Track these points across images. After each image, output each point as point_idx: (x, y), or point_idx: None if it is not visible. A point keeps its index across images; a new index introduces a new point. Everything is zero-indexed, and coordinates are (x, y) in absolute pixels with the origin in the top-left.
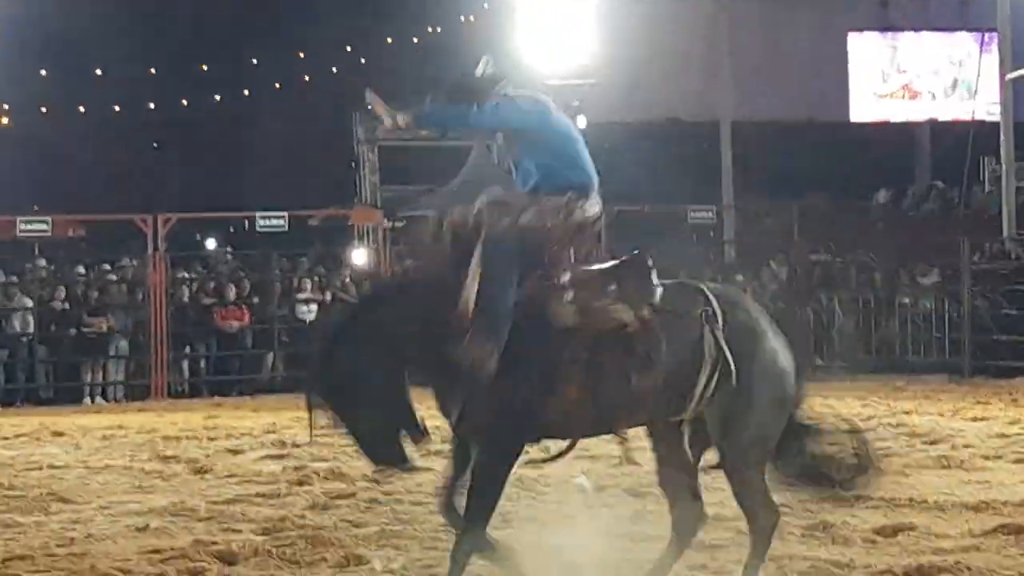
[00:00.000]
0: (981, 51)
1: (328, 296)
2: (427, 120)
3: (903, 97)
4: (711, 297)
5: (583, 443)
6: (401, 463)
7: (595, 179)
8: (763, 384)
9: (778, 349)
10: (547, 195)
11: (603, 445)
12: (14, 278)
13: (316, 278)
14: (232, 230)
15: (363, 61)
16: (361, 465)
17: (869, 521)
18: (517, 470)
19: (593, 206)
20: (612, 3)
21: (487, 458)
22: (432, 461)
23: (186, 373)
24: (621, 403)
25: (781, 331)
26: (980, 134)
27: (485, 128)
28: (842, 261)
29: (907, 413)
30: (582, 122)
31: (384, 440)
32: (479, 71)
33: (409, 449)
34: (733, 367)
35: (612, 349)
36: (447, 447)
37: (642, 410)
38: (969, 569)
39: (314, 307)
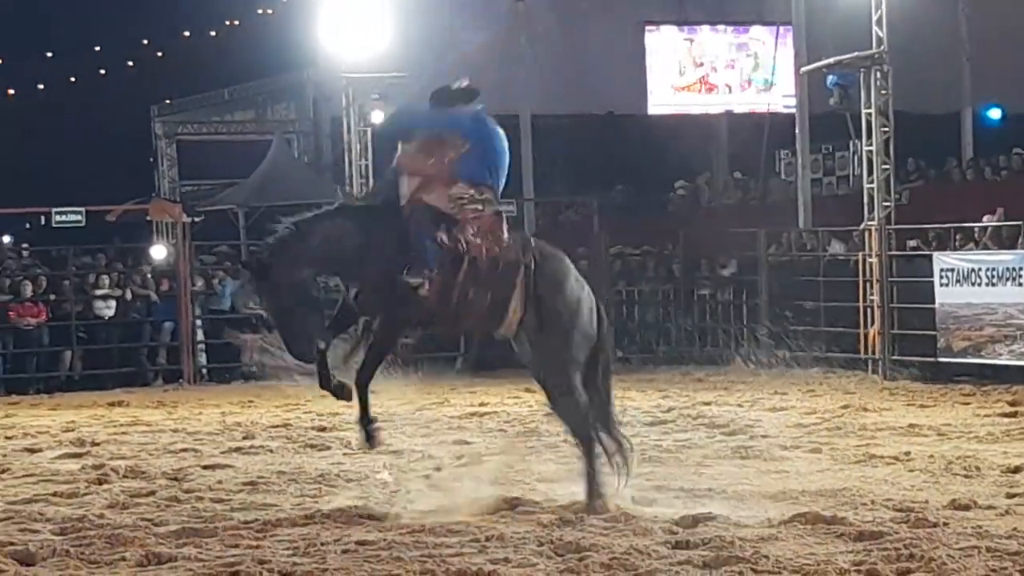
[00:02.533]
0: (777, 44)
1: (127, 292)
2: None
3: (700, 90)
4: (535, 247)
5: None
6: (311, 358)
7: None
8: (563, 315)
9: (580, 293)
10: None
11: (406, 440)
12: None
13: (114, 274)
14: (28, 226)
15: (160, 55)
16: (160, 463)
17: (669, 511)
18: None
19: (494, 203)
20: None
21: (385, 330)
22: (233, 458)
23: None
24: (468, 309)
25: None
26: (775, 126)
27: (461, 128)
28: (641, 253)
29: (706, 404)
30: (379, 117)
31: (301, 337)
32: (457, 85)
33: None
34: (537, 296)
35: (475, 272)
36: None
37: (479, 316)
38: (768, 558)
39: (112, 303)
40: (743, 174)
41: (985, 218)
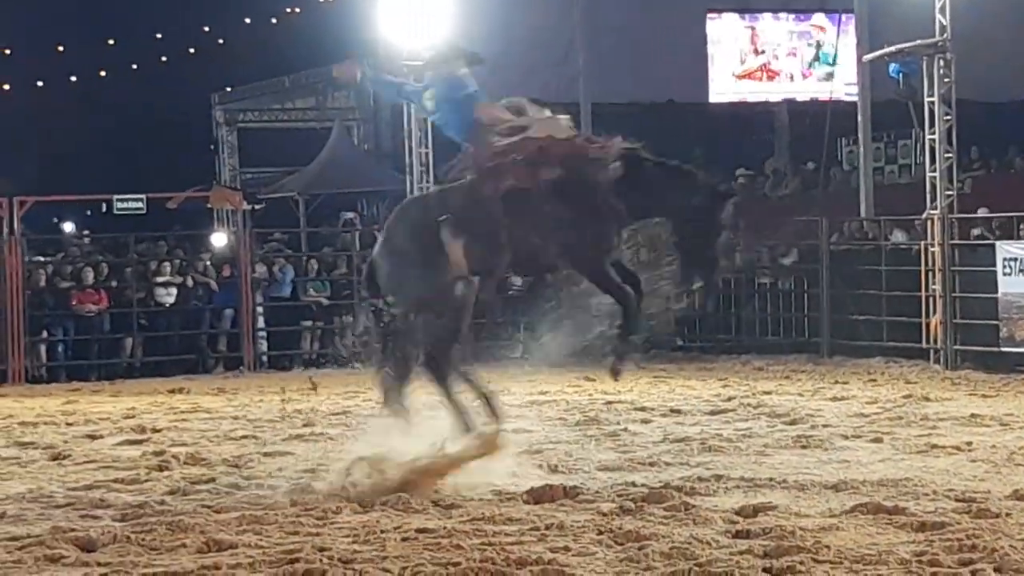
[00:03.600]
0: (838, 32)
1: (188, 279)
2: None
3: (761, 78)
4: None
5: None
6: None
7: None
8: None
9: None
10: None
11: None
12: None
13: (175, 261)
14: (89, 213)
15: (221, 42)
16: (221, 450)
17: (730, 501)
18: None
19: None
20: None
21: None
22: (293, 445)
23: (43, 358)
24: None
25: None
26: (837, 114)
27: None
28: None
29: (767, 394)
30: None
31: None
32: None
33: None
34: None
35: None
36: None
37: None
38: (828, 548)
39: (173, 291)
40: (805, 163)
41: None
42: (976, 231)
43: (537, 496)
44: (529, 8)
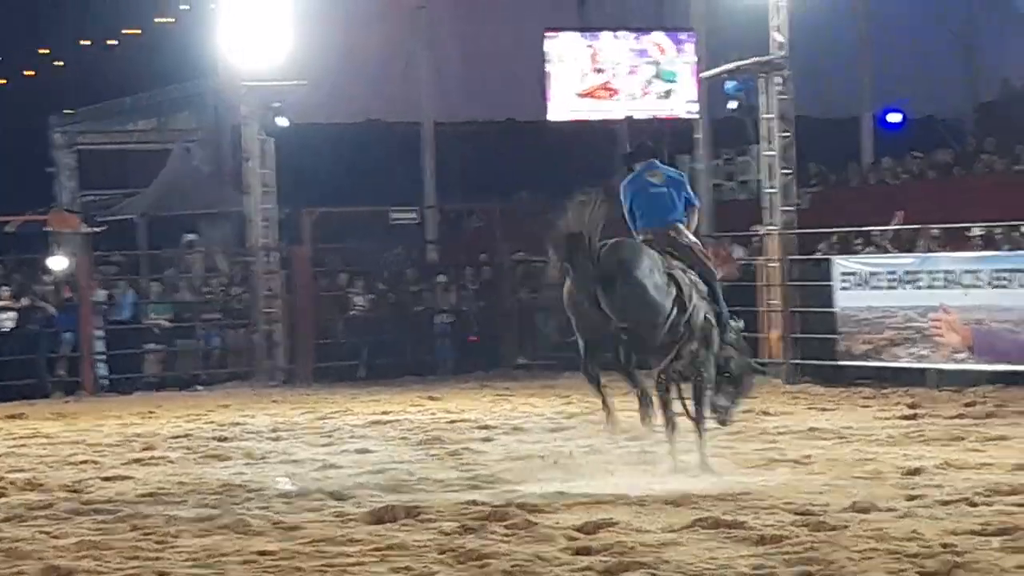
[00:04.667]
0: (677, 50)
1: (26, 303)
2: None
3: (601, 97)
4: None
5: (288, 448)
6: None
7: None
8: None
9: None
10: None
11: (308, 450)
12: None
13: (12, 285)
14: None
15: (59, 64)
16: (60, 476)
17: (571, 518)
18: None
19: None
20: (313, 3)
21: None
22: (134, 469)
23: None
24: None
25: None
26: (677, 132)
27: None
28: (544, 260)
29: None
30: (284, 123)
31: None
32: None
33: None
34: None
35: None
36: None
37: None
38: (668, 563)
39: (11, 315)
40: None
41: (894, 221)
42: (823, 246)
43: (378, 516)
44: (370, 27)
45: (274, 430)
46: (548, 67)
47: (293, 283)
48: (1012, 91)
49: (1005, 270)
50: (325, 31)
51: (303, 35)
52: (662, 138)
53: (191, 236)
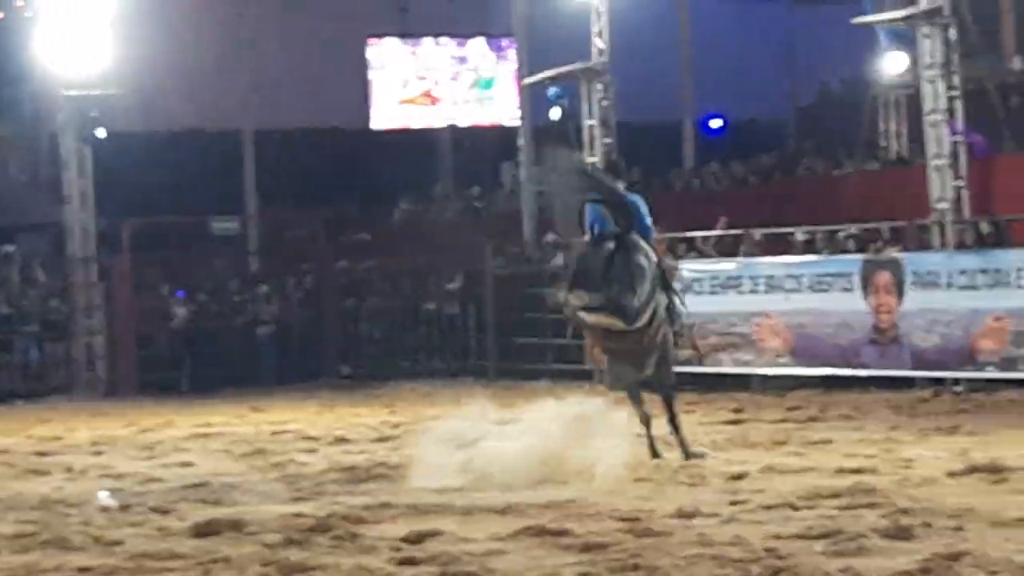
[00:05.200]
0: (499, 57)
1: None
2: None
3: (424, 103)
4: None
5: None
6: None
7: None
8: None
9: None
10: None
11: (129, 463)
12: None
13: None
14: None
15: None
16: None
17: (396, 528)
18: None
19: None
20: (131, 11)
21: None
22: None
23: None
24: None
25: None
26: (499, 138)
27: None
28: (367, 269)
29: (434, 419)
30: (102, 133)
31: None
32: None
33: None
34: None
35: None
36: None
37: None
38: (494, 572)
39: None
40: (468, 187)
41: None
42: None
43: (201, 530)
44: (190, 35)
45: (95, 444)
46: (370, 74)
47: (113, 294)
48: (830, 95)
49: (826, 274)
50: (144, 40)
51: (122, 43)
52: (485, 145)
53: (8, 247)
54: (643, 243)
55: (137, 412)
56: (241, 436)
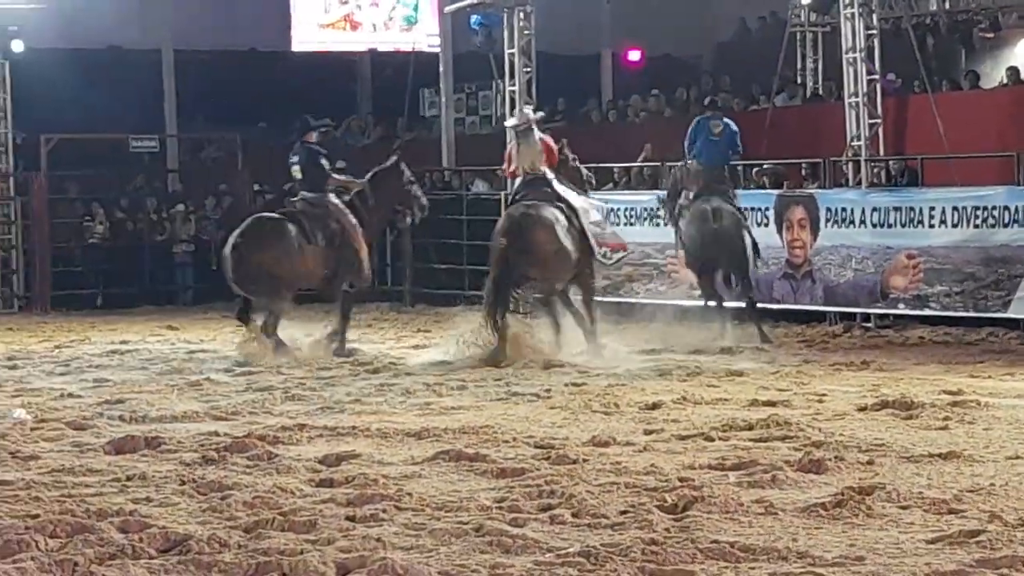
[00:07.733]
0: None
1: None
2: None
3: (344, 28)
4: None
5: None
6: None
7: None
8: None
9: None
10: None
11: (44, 378)
12: None
13: None
14: None
15: None
16: None
17: (313, 450)
18: None
19: None
20: None
21: None
22: None
23: None
24: None
25: None
26: (420, 65)
27: None
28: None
29: (350, 342)
30: (19, 47)
31: None
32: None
33: None
34: None
35: None
36: None
37: None
38: (411, 495)
39: None
40: (388, 113)
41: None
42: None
43: (118, 447)
44: None
45: (10, 358)
46: None
47: (29, 210)
48: (747, 31)
49: (745, 209)
50: None
51: None
52: (404, 71)
53: None
54: None
55: (52, 327)
56: (157, 354)
